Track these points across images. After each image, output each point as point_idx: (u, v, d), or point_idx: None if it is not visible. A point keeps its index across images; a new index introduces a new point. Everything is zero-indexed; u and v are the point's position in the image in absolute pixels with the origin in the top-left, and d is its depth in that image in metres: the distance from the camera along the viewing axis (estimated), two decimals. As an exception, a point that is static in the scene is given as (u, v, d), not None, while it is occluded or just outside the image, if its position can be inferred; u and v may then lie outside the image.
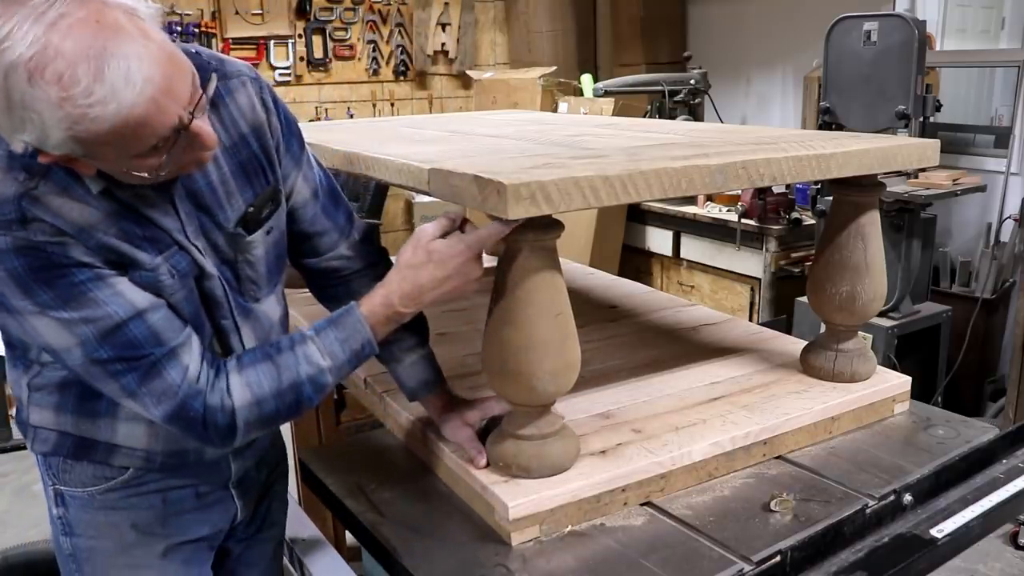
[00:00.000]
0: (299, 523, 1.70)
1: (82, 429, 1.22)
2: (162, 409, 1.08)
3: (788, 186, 3.79)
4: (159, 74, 0.91)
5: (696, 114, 4.32)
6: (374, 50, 5.42)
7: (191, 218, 1.14)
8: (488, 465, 1.27)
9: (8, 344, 1.21)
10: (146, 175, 0.99)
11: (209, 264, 1.16)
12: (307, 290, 1.44)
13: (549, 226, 1.13)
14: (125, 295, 1.04)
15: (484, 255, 1.21)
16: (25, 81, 0.86)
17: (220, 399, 1.10)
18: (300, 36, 5.20)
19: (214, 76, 1.04)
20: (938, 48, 3.90)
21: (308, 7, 5.15)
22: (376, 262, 1.40)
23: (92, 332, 1.02)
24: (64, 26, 0.87)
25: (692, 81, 4.28)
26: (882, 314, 3.01)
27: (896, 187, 2.97)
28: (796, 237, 3.75)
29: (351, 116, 5.34)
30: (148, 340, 1.06)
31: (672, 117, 4.15)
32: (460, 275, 1.17)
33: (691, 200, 4.13)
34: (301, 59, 5.21)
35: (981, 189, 3.20)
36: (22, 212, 0.98)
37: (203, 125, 1.00)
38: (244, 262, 1.22)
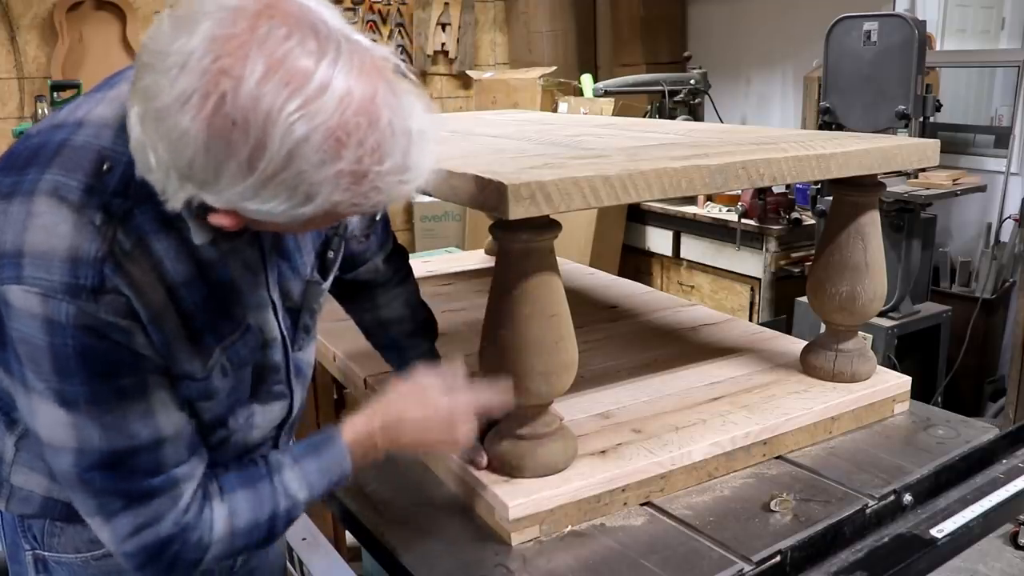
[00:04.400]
0: (299, 523, 1.70)
1: None
2: (134, 542, 0.93)
3: (788, 186, 3.79)
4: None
5: (696, 114, 4.32)
6: (374, 50, 5.42)
7: (274, 267, 1.02)
8: (490, 466, 1.27)
9: None
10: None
11: (277, 327, 1.05)
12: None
13: (546, 226, 1.13)
14: (156, 416, 0.91)
15: (484, 257, 1.20)
16: (317, 157, 0.74)
17: (200, 537, 0.96)
18: (300, 36, 5.19)
19: None
20: (938, 48, 3.90)
21: (308, 7, 5.15)
22: (399, 267, 1.38)
23: (101, 445, 0.88)
24: (367, 81, 0.76)
25: (692, 81, 4.28)
26: (882, 314, 3.01)
27: (896, 187, 2.97)
28: (796, 237, 3.75)
29: (351, 116, 5.33)
30: (152, 470, 0.92)
31: (672, 117, 4.15)
32: (443, 430, 1.10)
33: (691, 200, 4.13)
34: (301, 59, 5.21)
35: (981, 189, 3.19)
36: (102, 279, 0.82)
37: None
38: (307, 311, 1.11)
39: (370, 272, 1.34)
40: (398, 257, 1.38)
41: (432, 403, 1.10)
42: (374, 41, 0.82)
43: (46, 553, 1.11)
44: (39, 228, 0.82)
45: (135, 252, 0.85)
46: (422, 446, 1.12)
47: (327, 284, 1.14)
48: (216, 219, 0.82)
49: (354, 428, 1.08)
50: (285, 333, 1.07)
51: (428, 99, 0.84)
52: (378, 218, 1.29)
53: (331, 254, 1.12)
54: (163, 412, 0.92)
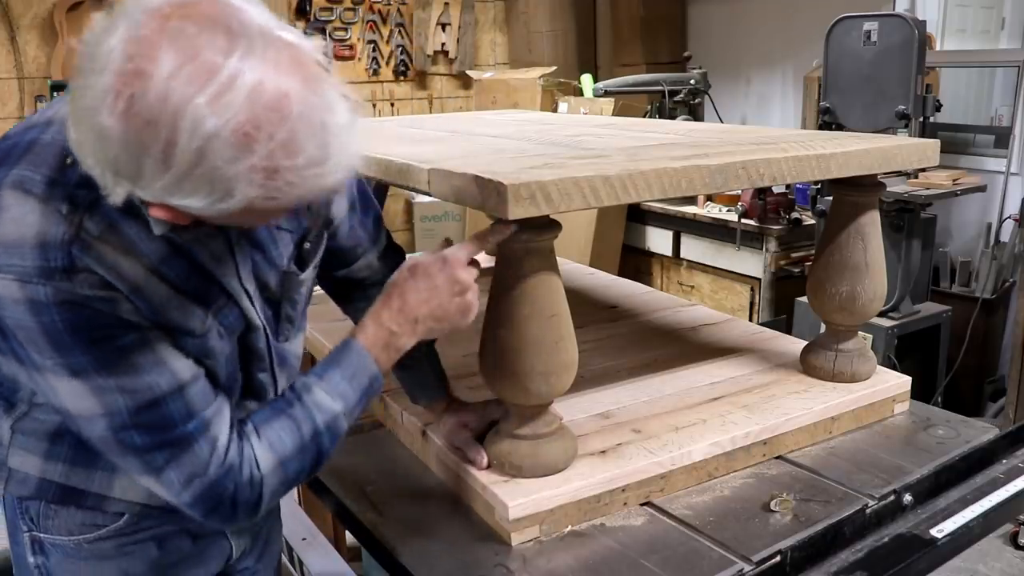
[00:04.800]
0: (299, 523, 1.70)
1: (73, 480, 1.09)
2: (190, 492, 0.96)
3: (788, 186, 3.79)
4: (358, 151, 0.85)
5: (696, 114, 4.32)
6: (374, 50, 5.42)
7: (245, 258, 1.05)
8: (490, 467, 1.27)
9: None
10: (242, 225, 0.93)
11: (256, 315, 1.07)
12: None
13: (546, 227, 1.13)
14: (170, 364, 0.93)
15: (483, 257, 1.20)
16: (229, 152, 0.75)
17: (250, 472, 0.98)
18: (300, 36, 5.19)
19: None
20: (938, 48, 3.90)
21: (308, 7, 5.15)
22: (396, 265, 1.37)
23: (127, 404, 0.90)
24: (285, 79, 0.77)
25: (692, 81, 4.28)
26: (882, 314, 3.01)
27: (896, 187, 2.97)
28: (796, 237, 3.75)
29: (351, 116, 5.34)
30: (183, 416, 0.94)
31: (672, 117, 4.15)
32: (447, 285, 1.09)
33: (691, 200, 4.13)
34: (301, 59, 5.21)
35: (981, 189, 3.20)
36: (71, 260, 0.85)
37: None
38: (288, 301, 1.13)
39: (364, 270, 1.34)
40: (394, 256, 1.38)
41: (424, 270, 1.10)
42: (307, 35, 0.83)
43: (42, 535, 1.13)
44: (8, 220, 0.86)
45: (106, 235, 0.88)
46: (437, 313, 1.10)
47: (306, 275, 1.15)
48: (156, 213, 0.83)
49: (364, 328, 1.09)
50: (264, 323, 1.09)
51: (351, 93, 0.85)
52: (357, 205, 1.28)
53: (307, 245, 1.13)
54: (174, 359, 0.94)
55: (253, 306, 1.07)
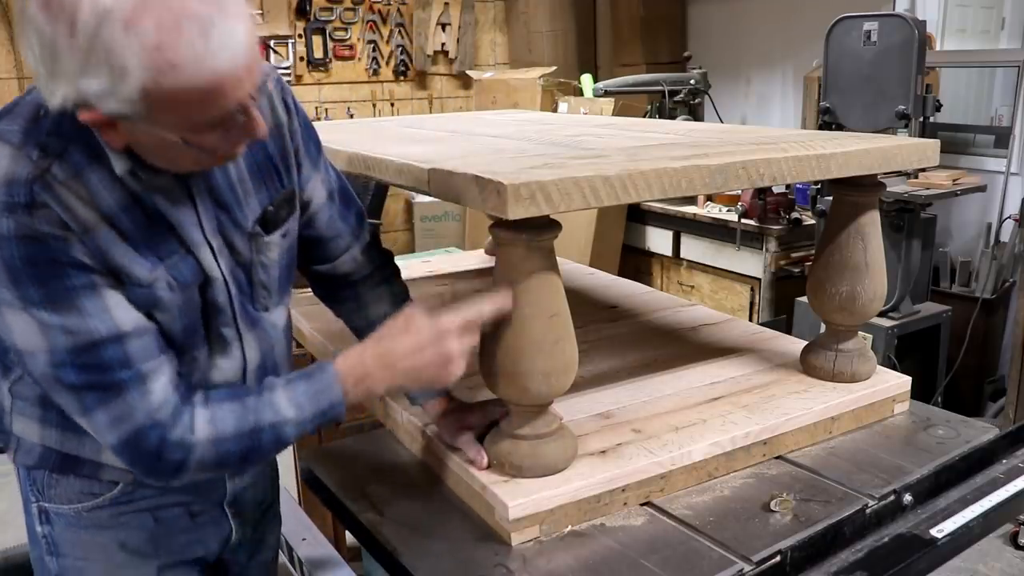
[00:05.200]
0: (299, 523, 1.70)
1: (67, 446, 1.16)
2: (115, 435, 1.02)
3: (788, 186, 3.80)
4: (252, 47, 0.92)
5: (696, 114, 4.32)
6: (374, 50, 5.42)
7: (209, 215, 1.10)
8: (490, 467, 1.27)
9: None
10: (182, 160, 0.99)
11: (216, 267, 1.11)
12: (307, 290, 1.44)
13: (546, 226, 1.13)
14: (112, 312, 0.99)
15: (484, 257, 1.20)
16: (121, 26, 0.83)
17: (181, 435, 1.03)
18: (300, 36, 5.20)
19: (265, 65, 1.01)
20: (938, 48, 3.90)
21: (308, 7, 5.15)
22: (383, 264, 1.40)
23: (66, 343, 0.97)
24: None
25: (692, 81, 4.28)
26: (882, 314, 3.01)
27: (896, 187, 2.97)
28: (796, 237, 3.75)
29: (351, 116, 5.34)
30: (119, 363, 1.00)
31: (672, 117, 4.15)
32: (434, 347, 1.12)
33: (691, 200, 4.13)
34: (301, 59, 5.21)
35: (981, 189, 3.20)
36: (32, 196, 0.93)
37: (258, 112, 0.98)
38: (259, 265, 1.18)
39: (348, 263, 1.36)
40: (378, 253, 1.39)
41: (418, 326, 1.14)
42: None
43: (47, 505, 1.21)
44: None
45: (69, 181, 0.96)
46: (417, 370, 1.13)
47: (272, 239, 1.18)
48: (84, 116, 0.90)
49: (346, 358, 1.13)
50: (226, 277, 1.13)
51: None
52: (336, 198, 1.32)
53: (271, 209, 1.17)
54: (119, 309, 1.00)
55: (216, 261, 1.11)
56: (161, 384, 1.03)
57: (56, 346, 0.97)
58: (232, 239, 1.13)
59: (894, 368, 2.08)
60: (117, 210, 1.00)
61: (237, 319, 1.16)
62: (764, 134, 1.59)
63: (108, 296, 0.99)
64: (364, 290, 1.38)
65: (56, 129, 0.96)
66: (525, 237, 1.13)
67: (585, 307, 2.09)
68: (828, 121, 3.12)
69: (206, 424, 1.05)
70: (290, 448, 2.03)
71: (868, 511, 1.28)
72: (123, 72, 0.85)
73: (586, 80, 4.77)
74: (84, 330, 0.97)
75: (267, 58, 5.08)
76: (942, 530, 1.29)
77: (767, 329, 1.92)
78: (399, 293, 1.40)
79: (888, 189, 2.26)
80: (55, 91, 0.89)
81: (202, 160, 1.01)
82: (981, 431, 1.52)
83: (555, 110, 4.71)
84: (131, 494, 1.20)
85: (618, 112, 4.38)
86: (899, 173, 2.93)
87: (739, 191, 3.77)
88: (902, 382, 1.59)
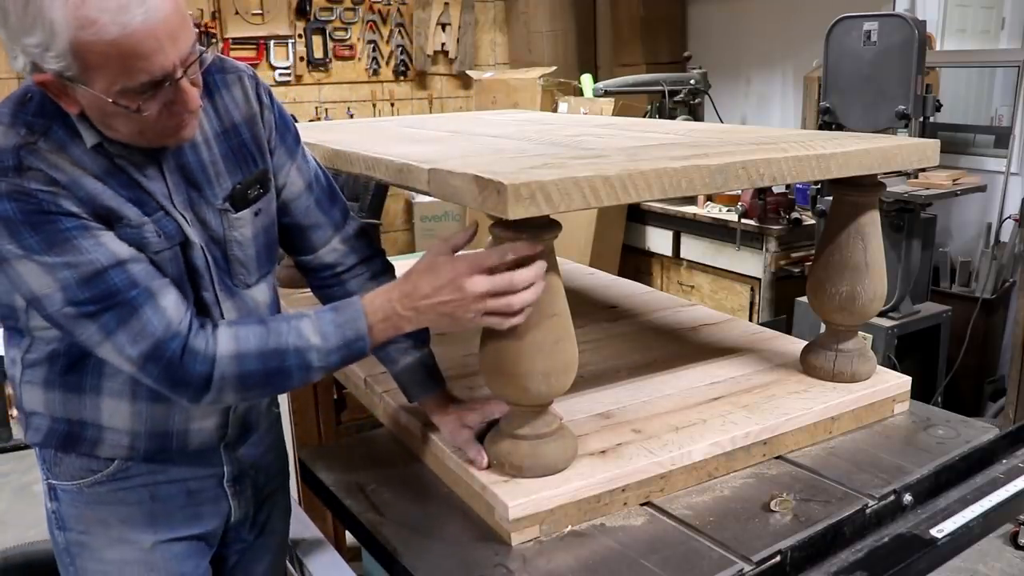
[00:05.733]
0: (299, 523, 1.70)
1: (69, 409, 1.22)
2: (138, 349, 1.08)
3: (788, 186, 3.80)
4: (166, 13, 0.99)
5: (696, 114, 4.32)
6: (374, 50, 5.42)
7: (179, 188, 1.17)
8: (490, 467, 1.27)
9: (3, 316, 1.22)
10: (127, 128, 1.05)
11: (194, 234, 1.18)
12: (308, 290, 1.44)
13: (546, 226, 1.13)
14: (108, 245, 1.07)
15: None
16: None
17: (204, 343, 1.10)
18: (300, 36, 5.20)
19: (212, 48, 1.09)
20: (938, 48, 3.90)
21: (308, 7, 5.16)
22: (371, 257, 1.41)
23: (73, 276, 1.05)
24: None
25: (692, 81, 4.29)
26: (882, 314, 3.01)
27: (896, 187, 2.97)
28: (796, 237, 3.75)
29: (351, 116, 5.34)
30: (127, 285, 1.07)
31: (672, 117, 4.15)
32: (455, 287, 1.13)
33: (691, 200, 4.13)
34: (301, 59, 5.21)
35: (981, 189, 3.20)
36: (19, 160, 1.03)
37: (191, 88, 1.06)
38: (234, 242, 1.24)
39: (331, 254, 1.38)
40: (366, 246, 1.42)
41: (440, 265, 1.16)
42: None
43: (54, 482, 1.29)
44: None
45: (55, 152, 1.06)
46: (439, 309, 1.14)
47: (243, 215, 1.24)
48: (38, 79, 1.00)
49: (374, 296, 1.17)
50: (205, 247, 1.20)
51: None
52: (315, 189, 1.37)
53: (239, 187, 1.23)
54: (114, 242, 1.08)
55: (190, 227, 1.18)
56: (172, 300, 1.11)
57: (66, 282, 1.05)
58: (204, 215, 1.20)
59: (894, 368, 2.08)
60: (102, 174, 1.09)
61: (215, 285, 1.23)
62: (764, 134, 1.59)
63: (100, 234, 1.07)
64: (353, 285, 1.39)
65: (40, 111, 1.07)
66: (525, 237, 1.13)
67: (585, 307, 2.09)
68: (828, 121, 3.12)
69: (230, 340, 1.11)
70: (291, 449, 2.02)
71: (868, 511, 1.27)
72: (52, 27, 0.94)
73: (586, 80, 4.78)
74: (86, 262, 1.05)
75: (266, 57, 5.09)
76: (942, 530, 1.29)
77: (767, 329, 1.92)
78: None
79: (888, 189, 2.26)
80: (16, 55, 1.00)
81: (148, 134, 1.08)
82: (981, 431, 1.52)
83: (555, 110, 4.71)
84: (127, 471, 1.26)
85: (618, 112, 4.38)
86: (899, 173, 2.93)
87: (739, 191, 3.77)
88: (902, 382, 1.59)
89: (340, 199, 1.41)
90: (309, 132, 1.80)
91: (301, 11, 5.16)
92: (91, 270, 1.05)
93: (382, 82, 5.50)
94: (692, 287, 4.27)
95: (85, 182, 1.07)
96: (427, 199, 5.03)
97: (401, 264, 1.47)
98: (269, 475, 1.45)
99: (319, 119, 5.23)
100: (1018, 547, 2.91)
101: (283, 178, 1.32)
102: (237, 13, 4.95)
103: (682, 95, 4.27)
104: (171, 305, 1.10)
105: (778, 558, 1.16)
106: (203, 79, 1.12)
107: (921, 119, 2.92)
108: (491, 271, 1.12)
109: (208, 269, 1.21)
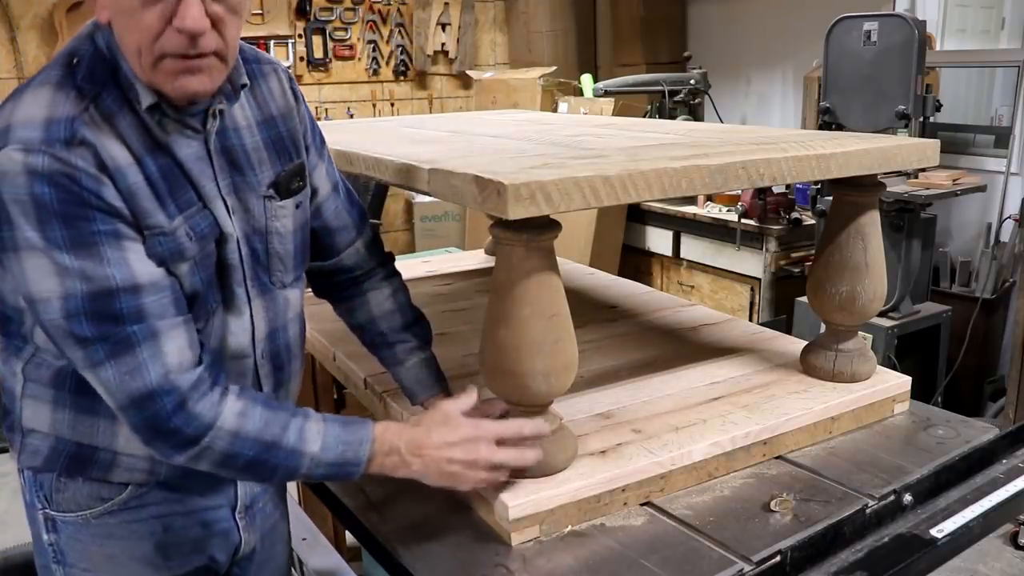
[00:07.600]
0: (299, 523, 1.70)
1: (79, 432, 1.13)
2: (124, 393, 1.00)
3: (788, 186, 3.80)
4: None
5: (696, 114, 4.32)
6: (374, 50, 5.42)
7: (224, 172, 1.14)
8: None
9: (4, 321, 1.13)
10: (132, 37, 0.99)
11: (230, 224, 1.14)
12: (307, 291, 1.44)
13: (546, 226, 1.13)
14: (130, 263, 1.00)
15: (484, 258, 1.21)
16: None
17: (207, 413, 1.03)
18: (300, 36, 5.20)
19: (276, 59, 1.06)
20: (938, 48, 3.90)
21: (308, 7, 5.15)
22: (385, 261, 1.42)
23: (80, 289, 0.98)
24: None
25: (692, 81, 4.29)
26: (882, 314, 3.01)
27: (896, 187, 2.97)
28: (796, 237, 3.75)
29: (351, 116, 5.35)
30: (132, 315, 1.00)
31: (672, 117, 4.15)
32: (466, 450, 1.14)
33: (691, 200, 4.14)
34: (301, 59, 5.21)
35: (981, 189, 3.20)
36: (73, 132, 0.97)
37: (194, 4, 0.97)
38: (275, 234, 1.20)
39: (353, 257, 1.38)
40: (380, 250, 1.42)
41: (456, 425, 1.17)
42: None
43: (54, 513, 1.18)
44: (26, 104, 1.00)
45: (104, 123, 1.01)
46: (443, 464, 1.14)
47: (286, 204, 1.21)
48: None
49: (387, 428, 1.15)
50: (239, 237, 1.16)
51: None
52: (341, 190, 1.36)
53: (288, 178, 1.21)
54: (137, 261, 1.02)
55: (231, 219, 1.14)
56: (176, 347, 1.03)
57: (71, 292, 0.98)
58: (247, 201, 1.16)
59: (894, 368, 2.08)
60: (144, 153, 1.04)
61: (247, 280, 1.18)
62: (764, 134, 1.59)
63: (128, 247, 1.01)
64: (366, 283, 1.39)
65: (89, 75, 1.02)
66: (525, 237, 1.13)
67: (585, 307, 2.09)
68: (828, 121, 3.12)
69: (235, 416, 1.05)
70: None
71: (868, 511, 1.27)
72: None
73: (586, 80, 4.77)
74: (100, 276, 0.98)
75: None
76: (942, 530, 1.29)
77: (767, 329, 1.92)
78: (399, 290, 1.42)
79: (888, 189, 2.26)
80: None
81: (148, 57, 0.99)
82: (981, 431, 1.52)
83: (555, 110, 4.71)
84: (141, 498, 1.18)
85: (618, 112, 4.38)
86: (899, 173, 2.93)
87: (739, 191, 3.77)
88: (902, 382, 1.59)
89: (357, 201, 1.40)
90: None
91: (301, 11, 5.15)
92: (101, 287, 0.98)
93: (382, 82, 5.50)
94: (692, 287, 4.27)
95: (128, 170, 1.01)
96: (427, 199, 5.03)
97: (401, 264, 1.47)
98: (276, 504, 1.40)
99: (319, 119, 5.20)
100: (1018, 547, 2.91)
101: (316, 179, 1.29)
102: (237, 13, 4.95)
103: (682, 95, 4.27)
104: (172, 351, 1.02)
105: (778, 558, 1.16)
106: (242, 67, 1.13)
107: (921, 119, 2.93)
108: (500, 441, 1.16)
109: (241, 264, 1.16)
